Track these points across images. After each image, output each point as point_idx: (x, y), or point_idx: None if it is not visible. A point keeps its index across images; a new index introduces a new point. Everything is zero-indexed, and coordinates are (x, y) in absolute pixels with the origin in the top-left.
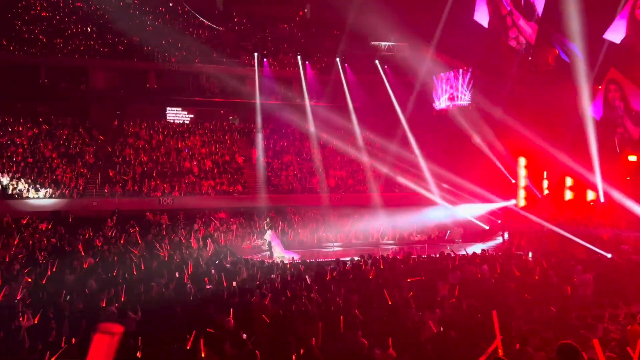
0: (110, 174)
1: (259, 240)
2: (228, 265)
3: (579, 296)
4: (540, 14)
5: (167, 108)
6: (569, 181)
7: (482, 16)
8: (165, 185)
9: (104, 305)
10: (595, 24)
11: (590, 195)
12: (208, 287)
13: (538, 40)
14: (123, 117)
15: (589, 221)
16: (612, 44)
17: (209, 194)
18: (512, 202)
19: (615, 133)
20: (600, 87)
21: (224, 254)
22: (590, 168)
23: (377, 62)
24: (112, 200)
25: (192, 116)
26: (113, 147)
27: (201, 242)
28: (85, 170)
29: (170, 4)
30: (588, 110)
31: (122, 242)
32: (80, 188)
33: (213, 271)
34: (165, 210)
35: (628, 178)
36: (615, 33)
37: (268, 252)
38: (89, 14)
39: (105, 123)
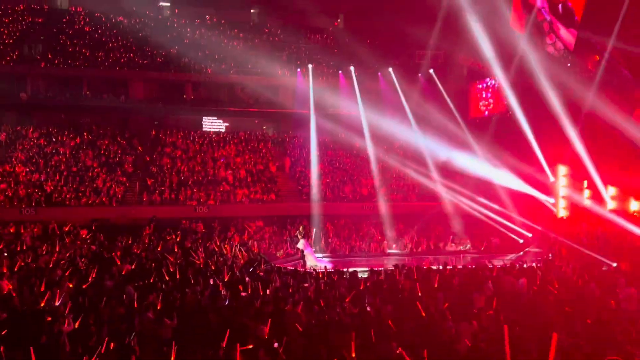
0: (148, 183)
1: (293, 249)
2: (262, 274)
3: (623, 310)
4: (579, 20)
5: (203, 118)
6: (611, 191)
7: (519, 23)
8: (200, 194)
9: (141, 311)
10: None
11: (635, 205)
12: (242, 294)
13: (577, 46)
14: (160, 127)
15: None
16: None
17: (243, 202)
18: (551, 200)
19: None
20: None
21: (258, 262)
22: (635, 177)
23: (425, 72)
24: (150, 208)
25: (227, 125)
26: (151, 156)
27: (235, 250)
28: (125, 179)
29: (207, 16)
30: (631, 116)
31: (159, 249)
32: (119, 196)
33: (247, 279)
34: (200, 218)
35: None
36: None
37: (301, 261)
38: (129, 27)
39: (144, 133)
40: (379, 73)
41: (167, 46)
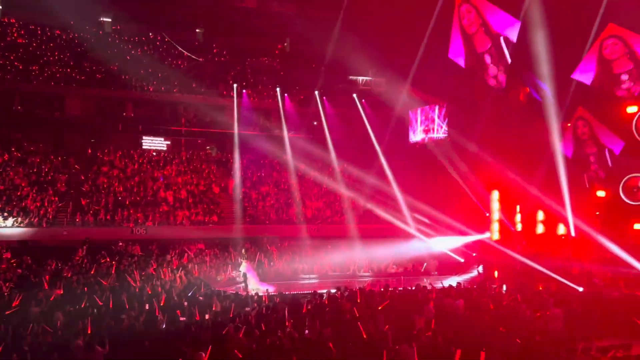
0: (83, 203)
1: (234, 272)
2: (201, 298)
3: (550, 330)
4: (512, 51)
5: (144, 137)
6: (541, 215)
7: (457, 53)
8: (138, 215)
9: (70, 338)
10: (564, 63)
11: (562, 229)
12: (181, 319)
13: (510, 78)
14: (98, 145)
15: (560, 255)
16: (580, 83)
17: (184, 224)
18: (487, 235)
19: (585, 169)
20: (569, 125)
21: (197, 286)
22: (561, 202)
23: (354, 95)
24: (83, 229)
25: (168, 144)
26: (86, 175)
27: (174, 274)
28: (57, 199)
29: (150, 34)
30: (558, 146)
31: (92, 273)
32: (50, 217)
33: (185, 303)
34: (138, 240)
35: (597, 213)
36: (584, 73)
37: (243, 284)
38: (67, 41)
39: (80, 151)
40: (324, 97)
41: (108, 62)
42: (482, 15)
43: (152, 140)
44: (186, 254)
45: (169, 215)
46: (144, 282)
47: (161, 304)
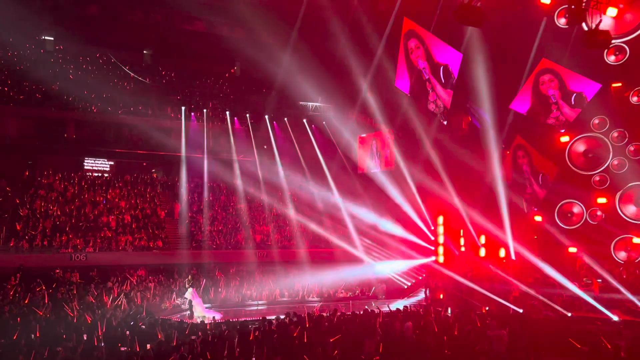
0: (17, 228)
1: (179, 299)
2: (143, 327)
3: (494, 351)
4: (455, 82)
5: (86, 159)
6: (483, 239)
7: (403, 82)
8: (78, 240)
9: None
10: (503, 94)
11: (502, 252)
12: (122, 349)
13: (452, 106)
14: (35, 168)
15: (501, 278)
16: (518, 112)
17: (127, 250)
18: (432, 258)
19: (523, 194)
20: (508, 152)
21: (140, 314)
22: (501, 227)
23: (304, 121)
24: (17, 256)
25: (112, 167)
26: (22, 198)
27: (115, 302)
28: None
29: (97, 54)
30: (498, 173)
31: (26, 302)
32: None
33: (127, 333)
34: (77, 267)
35: (535, 237)
36: (520, 104)
37: (188, 312)
38: (4, 59)
39: (15, 173)
40: (274, 122)
41: (48, 82)
42: (426, 46)
43: (94, 162)
44: (128, 281)
45: (111, 240)
46: (83, 311)
47: (100, 334)
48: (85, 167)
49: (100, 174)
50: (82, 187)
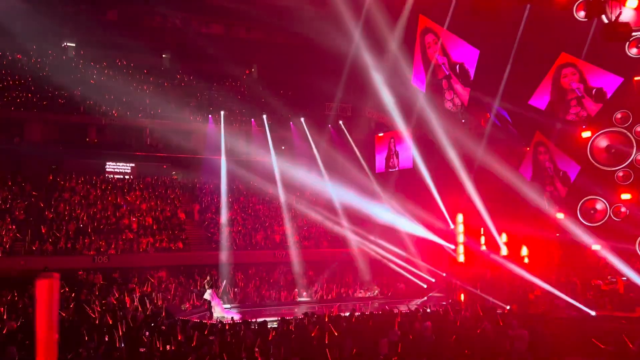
0: (42, 231)
1: (199, 300)
2: (164, 328)
3: (515, 351)
4: (472, 78)
5: (107, 163)
6: (504, 237)
7: (420, 80)
8: (101, 243)
9: None
10: (522, 89)
11: (524, 251)
12: (141, 350)
13: (470, 103)
14: (59, 172)
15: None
16: (537, 109)
17: (148, 252)
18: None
19: (544, 192)
20: (528, 149)
21: (160, 316)
22: (523, 225)
23: (322, 121)
24: (42, 258)
25: (133, 170)
26: (46, 202)
27: (136, 303)
28: (14, 227)
29: (117, 60)
30: (518, 170)
31: None
32: (7, 246)
33: (147, 333)
34: (99, 269)
35: (557, 235)
36: (539, 99)
37: (208, 312)
38: (28, 66)
39: (40, 178)
40: (291, 122)
41: (71, 87)
42: (442, 43)
43: (116, 166)
44: (149, 282)
45: (132, 242)
46: (105, 312)
47: (121, 335)
48: (107, 171)
49: (121, 177)
50: (104, 190)
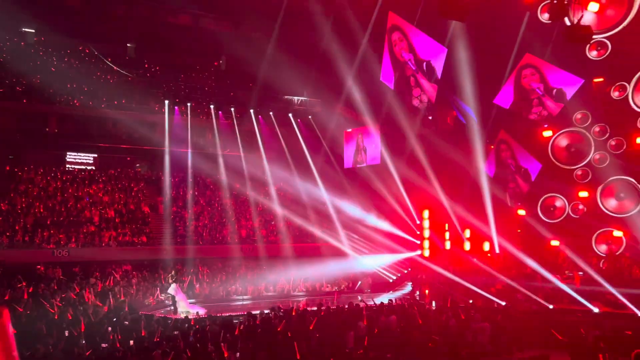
0: None
1: (163, 295)
2: (126, 322)
3: (478, 343)
4: (439, 76)
5: (68, 153)
6: (467, 233)
7: (388, 77)
8: (60, 236)
9: None
10: (487, 88)
11: (487, 246)
12: (103, 346)
13: (437, 100)
14: (17, 162)
15: (485, 271)
16: (501, 107)
17: (110, 245)
18: (417, 252)
19: (507, 188)
20: (492, 147)
21: (122, 310)
22: (485, 221)
23: (290, 115)
24: None
25: (95, 161)
26: (4, 194)
27: (97, 297)
28: None
29: (79, 47)
30: (482, 167)
31: (6, 298)
32: None
33: (109, 329)
34: (59, 263)
35: (519, 231)
36: (504, 98)
37: (172, 307)
38: None
39: None
40: (260, 116)
41: (30, 75)
42: (409, 41)
43: (77, 157)
44: (112, 277)
45: (94, 236)
46: (65, 307)
47: (82, 330)
48: (68, 162)
49: (83, 168)
50: (64, 181)
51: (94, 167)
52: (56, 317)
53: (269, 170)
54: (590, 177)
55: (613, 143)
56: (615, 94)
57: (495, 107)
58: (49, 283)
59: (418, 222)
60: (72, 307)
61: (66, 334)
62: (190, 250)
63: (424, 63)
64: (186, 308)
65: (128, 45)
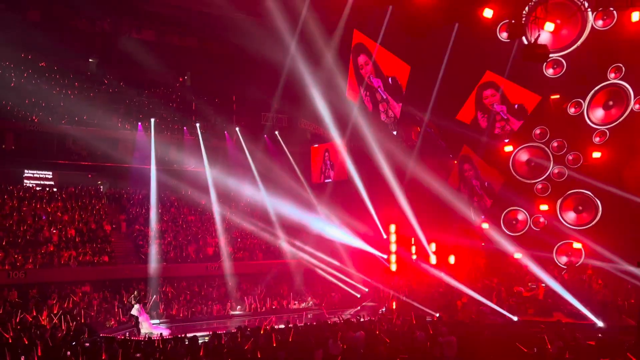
0: None
1: (125, 316)
2: (87, 345)
3: (445, 357)
4: (404, 93)
5: (26, 171)
6: (433, 246)
7: (353, 93)
8: (17, 257)
9: None
10: (450, 104)
11: (452, 259)
12: None
13: (402, 116)
14: None
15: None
16: (464, 123)
17: (70, 266)
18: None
19: (471, 202)
20: (456, 162)
21: (82, 333)
22: (450, 234)
23: (257, 131)
24: None
25: (55, 179)
26: None
27: (55, 320)
28: None
29: (39, 63)
30: (446, 182)
31: None
32: None
33: (68, 353)
34: (15, 285)
35: (483, 244)
36: (466, 115)
37: (135, 329)
38: None
39: None
40: (226, 132)
41: None
42: (374, 61)
43: (35, 174)
44: (71, 298)
45: (52, 256)
46: (20, 331)
47: (39, 355)
48: (26, 179)
49: (41, 187)
50: (21, 199)
51: (53, 185)
52: (10, 342)
53: (236, 186)
54: (550, 191)
55: (570, 157)
56: (571, 110)
57: (457, 122)
58: (4, 307)
59: (385, 236)
60: (27, 331)
61: (22, 359)
62: (154, 269)
63: (389, 79)
64: (149, 329)
65: (90, 60)
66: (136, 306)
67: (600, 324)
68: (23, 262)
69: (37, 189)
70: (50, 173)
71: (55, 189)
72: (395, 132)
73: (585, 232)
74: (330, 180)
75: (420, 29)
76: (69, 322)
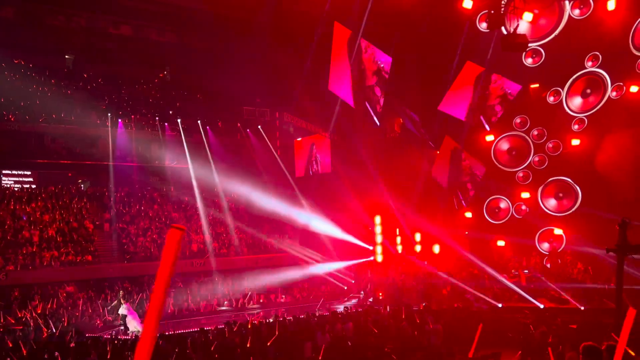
0: None
1: (111, 315)
2: (72, 345)
3: (432, 345)
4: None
5: (4, 171)
6: (418, 237)
7: (339, 87)
8: None
9: None
10: (432, 95)
11: (437, 249)
12: None
13: (385, 108)
14: None
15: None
16: (446, 114)
17: (52, 266)
18: (371, 258)
19: (454, 192)
20: (438, 152)
21: (68, 333)
22: (434, 224)
23: (239, 125)
24: None
25: (34, 179)
26: None
27: (39, 322)
28: None
29: (14, 60)
30: (429, 172)
31: None
32: None
33: (56, 354)
34: None
35: (466, 233)
36: (449, 106)
37: (122, 327)
38: None
39: None
40: (207, 127)
41: None
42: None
43: (13, 174)
44: (55, 299)
45: (34, 257)
46: (2, 334)
47: (25, 356)
48: (3, 180)
49: (20, 187)
50: (0, 201)
51: (32, 185)
52: None
53: (219, 181)
54: (531, 179)
55: (550, 145)
56: (550, 99)
57: (439, 113)
58: None
59: (370, 228)
60: (10, 334)
61: None
62: (139, 267)
63: (371, 71)
64: (137, 327)
65: (66, 56)
66: (124, 305)
67: (581, 307)
68: (3, 264)
69: (16, 188)
70: (29, 174)
71: (34, 189)
72: (378, 124)
73: (565, 219)
74: (315, 173)
75: (401, 21)
76: (53, 323)
